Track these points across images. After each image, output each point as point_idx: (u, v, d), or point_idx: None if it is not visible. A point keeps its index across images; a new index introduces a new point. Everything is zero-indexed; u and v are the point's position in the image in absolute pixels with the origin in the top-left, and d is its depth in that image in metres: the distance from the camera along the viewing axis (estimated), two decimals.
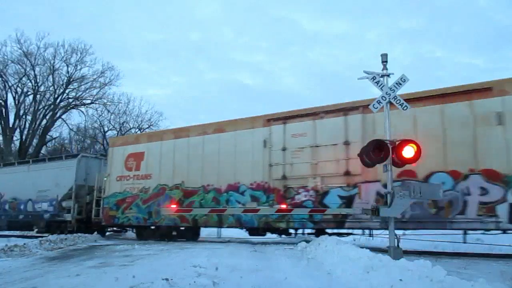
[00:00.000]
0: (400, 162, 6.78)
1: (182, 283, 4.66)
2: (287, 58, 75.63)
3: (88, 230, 14.99)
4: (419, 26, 64.63)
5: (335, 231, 10.37)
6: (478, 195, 8.34)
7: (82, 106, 31.82)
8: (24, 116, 30.63)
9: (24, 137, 30.10)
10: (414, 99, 9.02)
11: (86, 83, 31.21)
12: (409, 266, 4.96)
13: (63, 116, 31.96)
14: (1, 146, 29.92)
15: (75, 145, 35.83)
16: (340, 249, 6.93)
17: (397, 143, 6.74)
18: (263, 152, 11.07)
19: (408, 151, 6.60)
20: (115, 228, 15.39)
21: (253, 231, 11.68)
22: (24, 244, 10.11)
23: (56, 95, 30.45)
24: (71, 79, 30.65)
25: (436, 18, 64.78)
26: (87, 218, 15.01)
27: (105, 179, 14.20)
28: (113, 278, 5.36)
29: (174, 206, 12.58)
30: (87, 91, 31.45)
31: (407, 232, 10.58)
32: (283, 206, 10.63)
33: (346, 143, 9.88)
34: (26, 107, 30.59)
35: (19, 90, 30.06)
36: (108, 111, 32.43)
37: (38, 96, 30.22)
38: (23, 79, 29.76)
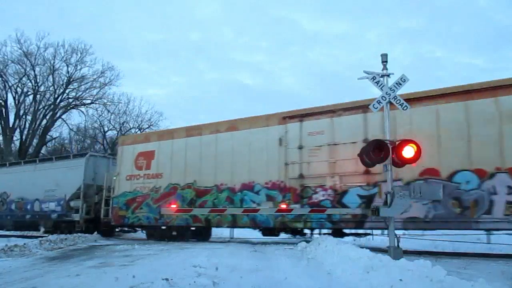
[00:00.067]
0: (400, 162, 6.78)
1: (182, 283, 4.66)
2: (287, 58, 75.69)
3: (97, 230, 14.84)
4: (419, 26, 64.68)
5: (353, 231, 10.21)
6: (505, 194, 8.10)
7: (82, 106, 31.89)
8: (24, 116, 30.69)
9: (24, 137, 30.12)
10: (436, 96, 8.97)
11: (86, 83, 31.29)
12: (409, 266, 4.96)
13: (63, 116, 32.05)
14: (1, 146, 29.92)
15: (75, 145, 35.86)
16: (340, 249, 6.93)
17: (397, 143, 6.74)
18: (279, 151, 10.87)
19: (408, 151, 6.60)
20: (125, 228, 15.16)
21: (266, 231, 11.49)
22: (24, 244, 10.10)
23: (56, 95, 30.50)
24: (71, 79, 30.69)
25: (436, 18, 64.82)
26: (95, 218, 14.82)
27: (115, 178, 14.00)
28: (113, 278, 5.36)
29: (174, 206, 12.61)
30: (87, 91, 31.53)
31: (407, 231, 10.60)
32: (283, 206, 10.64)
33: (366, 141, 9.52)
34: (26, 107, 30.67)
35: (19, 90, 30.13)
36: (108, 111, 32.49)
37: (38, 96, 30.27)
38: (23, 79, 29.82)
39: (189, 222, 12.04)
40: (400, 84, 7.07)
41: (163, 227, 12.74)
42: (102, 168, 15.51)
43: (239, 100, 65.51)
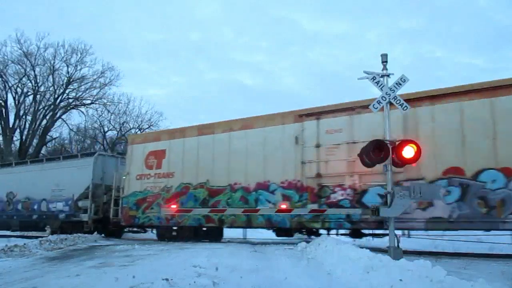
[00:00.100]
0: (400, 162, 6.78)
1: (182, 283, 4.66)
2: (287, 58, 75.67)
3: (105, 231, 14.76)
4: (419, 26, 64.64)
5: (372, 231, 10.00)
6: None
7: (82, 106, 31.85)
8: (24, 116, 30.67)
9: (24, 137, 30.11)
10: (460, 93, 8.84)
11: (86, 83, 31.24)
12: (409, 266, 4.96)
13: (63, 116, 32.01)
14: (1, 146, 29.92)
15: (75, 146, 35.84)
16: (340, 249, 6.93)
17: (397, 143, 6.75)
18: (295, 149, 10.64)
19: (408, 151, 6.61)
20: (134, 229, 14.93)
21: (281, 232, 11.24)
22: (24, 244, 10.10)
23: (56, 95, 30.47)
24: (71, 79, 30.66)
25: (436, 18, 64.80)
26: (104, 218, 14.64)
27: (124, 177, 13.78)
28: (113, 278, 5.36)
29: (174, 206, 12.58)
30: (87, 91, 31.48)
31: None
32: (283, 206, 10.62)
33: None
34: (26, 107, 30.64)
35: (19, 90, 30.10)
36: (108, 111, 32.45)
37: (38, 96, 30.25)
38: (23, 79, 29.79)
39: (202, 222, 11.84)
40: (400, 84, 7.08)
41: (174, 227, 12.56)
42: (110, 167, 15.27)
43: (239, 100, 65.51)
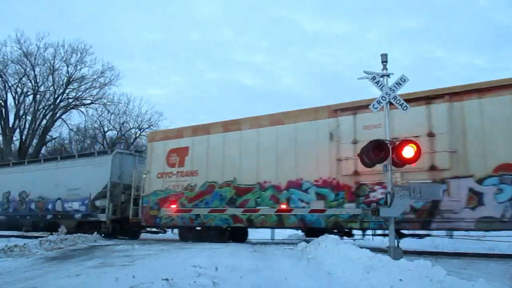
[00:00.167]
0: (400, 162, 6.79)
1: (182, 283, 4.66)
2: (287, 58, 75.74)
3: (124, 231, 14.55)
4: (419, 26, 64.70)
5: (412, 232, 9.58)
6: None
7: (82, 106, 31.88)
8: (24, 116, 30.70)
9: (24, 137, 30.12)
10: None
11: (86, 83, 31.27)
12: (409, 266, 4.96)
13: (63, 116, 32.04)
14: (1, 146, 29.93)
15: (75, 145, 35.84)
16: (340, 249, 6.93)
17: (397, 143, 6.75)
18: (329, 146, 10.14)
19: (408, 151, 6.61)
20: (153, 229, 14.47)
21: (312, 232, 10.73)
22: (24, 244, 10.10)
23: (56, 95, 30.50)
24: (71, 79, 30.69)
25: (436, 18, 64.88)
26: (122, 218, 14.30)
27: (144, 176, 13.37)
28: (113, 278, 5.36)
29: (174, 206, 12.55)
30: (87, 91, 31.52)
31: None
32: (283, 206, 10.60)
33: (430, 135, 8.97)
34: (26, 107, 30.67)
35: (19, 90, 30.14)
36: (108, 111, 32.44)
37: (38, 96, 30.28)
38: (23, 79, 29.83)
39: (229, 222, 11.40)
40: (400, 84, 7.08)
41: (198, 228, 12.20)
42: (128, 165, 14.83)
43: (239, 100, 65.57)
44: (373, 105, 7.18)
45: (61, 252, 9.71)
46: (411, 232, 9.54)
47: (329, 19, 73.78)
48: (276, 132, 11.11)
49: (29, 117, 30.47)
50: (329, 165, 10.09)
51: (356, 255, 6.12)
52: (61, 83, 30.58)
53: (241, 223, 11.28)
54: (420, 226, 9.04)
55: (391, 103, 7.16)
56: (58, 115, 31.27)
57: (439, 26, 65.75)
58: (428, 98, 9.16)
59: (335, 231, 10.46)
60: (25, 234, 17.16)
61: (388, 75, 7.20)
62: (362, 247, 6.93)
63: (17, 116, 30.04)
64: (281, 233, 14.97)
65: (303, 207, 10.21)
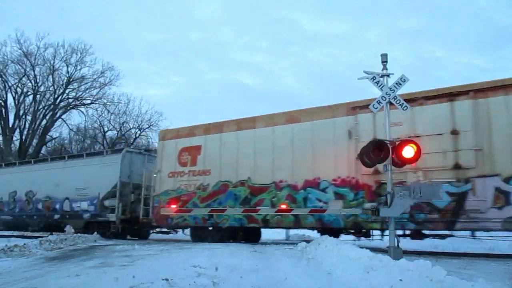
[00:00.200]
0: (400, 162, 6.79)
1: (182, 283, 4.66)
2: (287, 58, 75.83)
3: (133, 231, 14.43)
4: (419, 26, 64.79)
5: (435, 232, 9.33)
6: None
7: (82, 106, 31.89)
8: (24, 116, 30.71)
9: (24, 137, 30.13)
10: None
11: (86, 83, 31.29)
12: (409, 266, 4.96)
13: (63, 116, 32.05)
14: (1, 146, 29.93)
15: (75, 145, 35.84)
16: (340, 249, 6.93)
17: (397, 143, 6.75)
18: (348, 144, 9.88)
19: (408, 151, 6.61)
20: (164, 230, 14.29)
21: (329, 233, 10.37)
22: (24, 244, 10.10)
23: (56, 95, 30.51)
24: (71, 79, 30.70)
25: (436, 18, 64.95)
26: (131, 218, 14.15)
27: (155, 175, 13.16)
28: (113, 278, 5.36)
29: (174, 206, 12.54)
30: (87, 91, 31.54)
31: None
32: (283, 206, 10.59)
33: (454, 133, 8.74)
34: (26, 107, 30.68)
35: (19, 90, 30.15)
36: (108, 111, 32.46)
37: (38, 96, 30.29)
38: (23, 79, 29.84)
39: (243, 222, 11.19)
40: (400, 84, 7.08)
41: (210, 228, 12.03)
42: (137, 165, 14.67)
43: (239, 100, 65.69)
44: (373, 105, 7.18)
45: (61, 252, 9.71)
46: (432, 232, 9.33)
47: (329, 19, 73.87)
48: (291, 130, 10.91)
49: (29, 117, 30.54)
50: (348, 164, 9.84)
51: (356, 255, 6.12)
52: (61, 83, 30.64)
53: (256, 223, 11.08)
54: (444, 226, 8.81)
55: (391, 103, 7.14)
56: (58, 115, 31.29)
57: (439, 26, 65.85)
58: (451, 95, 8.95)
59: (352, 231, 10.29)
60: (25, 234, 17.10)
61: (388, 75, 7.20)
62: (362, 247, 6.94)
63: (17, 116, 30.05)
64: (281, 233, 14.98)
65: (321, 207, 10.04)
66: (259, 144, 11.32)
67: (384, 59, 7.29)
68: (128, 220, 14.23)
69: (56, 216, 15.95)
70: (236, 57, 74.99)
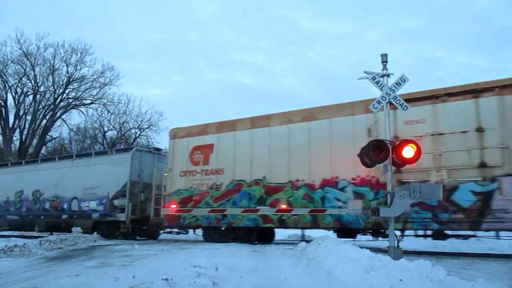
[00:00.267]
0: (400, 162, 6.79)
1: (182, 283, 4.67)
2: (287, 58, 75.83)
3: (143, 231, 14.32)
4: (419, 26, 64.82)
5: (457, 233, 9.09)
6: None
7: (82, 106, 31.84)
8: (24, 116, 30.66)
9: (24, 137, 30.10)
10: None
11: (86, 83, 31.23)
12: (409, 266, 4.97)
13: (63, 116, 32.00)
14: (1, 146, 29.92)
15: (75, 145, 35.82)
16: (340, 249, 6.93)
17: (397, 143, 6.75)
18: (368, 142, 9.91)
19: (408, 151, 6.61)
20: (175, 230, 13.99)
21: (345, 233, 10.23)
22: (24, 244, 10.11)
23: (56, 95, 30.48)
24: (71, 79, 30.67)
25: (436, 18, 64.96)
26: (141, 218, 13.96)
27: (166, 174, 12.95)
28: (113, 278, 5.36)
29: (174, 206, 12.52)
30: (87, 91, 31.48)
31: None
32: (283, 206, 10.58)
33: (479, 130, 8.50)
34: (26, 107, 30.64)
35: (19, 90, 30.11)
36: (108, 111, 32.39)
37: (38, 96, 30.26)
38: (23, 79, 29.80)
39: (258, 222, 10.93)
40: (400, 84, 7.08)
41: (222, 228, 11.80)
42: (147, 164, 14.43)
43: (239, 100, 65.70)
44: (373, 105, 7.18)
45: (61, 252, 9.71)
46: (455, 232, 9.14)
47: (329, 19, 73.88)
48: (308, 128, 10.64)
49: (29, 117, 30.49)
50: None
51: (356, 255, 6.13)
52: (61, 83, 30.60)
53: (271, 223, 10.86)
54: (469, 227, 8.58)
55: (391, 103, 7.14)
56: (58, 115, 31.27)
57: (439, 26, 65.86)
58: (475, 91, 8.72)
59: (370, 231, 10.04)
60: (25, 234, 17.02)
61: (388, 75, 7.20)
62: (362, 247, 6.94)
63: (17, 116, 30.03)
64: (282, 233, 14.95)
65: (340, 207, 9.77)
66: (274, 143, 11.11)
67: (384, 59, 7.29)
68: (138, 220, 14.06)
69: (64, 216, 15.71)
70: (236, 57, 75.09)
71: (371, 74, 7.19)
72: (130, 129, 33.71)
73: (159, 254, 8.38)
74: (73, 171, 15.74)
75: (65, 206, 15.65)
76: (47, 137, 31.86)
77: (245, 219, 11.12)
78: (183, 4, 74.43)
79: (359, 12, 73.40)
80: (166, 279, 4.74)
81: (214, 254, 7.92)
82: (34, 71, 29.73)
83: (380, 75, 7.20)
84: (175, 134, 13.33)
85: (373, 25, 73.41)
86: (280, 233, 14.71)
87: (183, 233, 14.11)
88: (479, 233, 9.00)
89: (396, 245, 6.56)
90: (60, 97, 30.70)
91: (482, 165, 8.39)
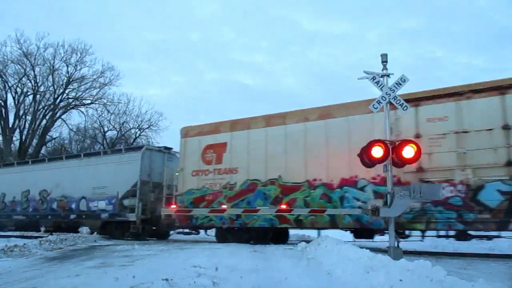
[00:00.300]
0: (400, 162, 6.79)
1: (182, 283, 4.67)
2: (287, 58, 75.89)
3: (153, 232, 14.21)
4: (419, 26, 64.87)
5: (480, 233, 8.95)
6: None
7: (82, 106, 31.84)
8: (24, 116, 30.66)
9: (24, 137, 30.10)
10: None
11: (86, 83, 31.24)
12: (409, 266, 4.97)
13: (63, 116, 32.00)
14: (1, 146, 29.92)
15: (75, 145, 35.82)
16: (340, 249, 6.93)
17: (397, 143, 6.75)
18: None
19: (408, 151, 6.61)
20: (186, 230, 13.83)
21: (362, 234, 10.04)
22: (24, 244, 10.11)
23: (56, 95, 30.48)
24: (71, 79, 30.67)
25: (436, 18, 65.01)
26: (151, 218, 13.82)
27: (178, 174, 12.74)
28: (113, 278, 5.36)
29: (173, 206, 12.49)
30: (87, 91, 31.48)
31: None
32: (283, 207, 10.57)
33: (506, 127, 8.29)
34: (26, 107, 30.64)
35: (19, 90, 30.11)
36: (108, 111, 32.38)
37: (38, 96, 30.26)
38: (23, 79, 29.80)
39: (274, 223, 10.72)
40: (400, 84, 7.08)
41: (235, 228, 11.57)
42: (157, 163, 14.26)
43: (239, 100, 65.76)
44: (373, 105, 7.18)
45: (61, 252, 9.71)
46: (479, 233, 9.01)
47: (329, 19, 73.91)
48: (325, 126, 10.41)
49: (29, 117, 30.49)
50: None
51: (356, 255, 6.13)
52: (61, 83, 30.60)
53: (288, 223, 10.63)
54: (496, 227, 8.35)
55: (391, 103, 7.15)
56: (58, 115, 31.27)
57: (439, 26, 65.91)
58: (501, 88, 8.51)
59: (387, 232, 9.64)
60: (25, 234, 16.97)
61: (388, 75, 7.21)
62: (362, 247, 6.94)
63: (17, 116, 30.02)
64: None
65: (359, 207, 9.48)
66: (290, 141, 10.92)
67: (384, 59, 7.29)
68: (148, 220, 13.92)
69: (72, 216, 15.48)
70: (236, 57, 75.14)
71: (371, 74, 7.19)
72: (130, 129, 33.74)
73: (159, 254, 8.38)
74: (82, 171, 15.55)
75: (73, 206, 15.43)
76: (47, 137, 31.87)
77: (261, 219, 10.90)
78: (183, 4, 74.51)
79: (359, 12, 73.49)
80: (166, 279, 4.74)
81: (214, 254, 7.92)
82: (34, 71, 29.77)
83: (380, 75, 7.21)
84: (186, 132, 13.08)
85: (373, 25, 73.51)
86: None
87: (194, 234, 13.86)
88: (503, 233, 8.76)
89: (396, 245, 6.56)
90: (60, 97, 30.73)
91: (509, 163, 8.20)
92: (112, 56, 67.71)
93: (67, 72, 30.49)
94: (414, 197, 6.48)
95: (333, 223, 9.94)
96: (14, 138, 30.33)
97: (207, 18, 75.86)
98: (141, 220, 13.59)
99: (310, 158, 10.45)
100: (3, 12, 44.32)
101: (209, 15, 75.24)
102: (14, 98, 30.08)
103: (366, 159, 7.03)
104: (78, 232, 15.18)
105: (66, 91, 30.92)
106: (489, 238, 9.19)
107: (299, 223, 10.47)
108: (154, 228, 14.10)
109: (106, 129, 33.54)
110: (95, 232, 14.01)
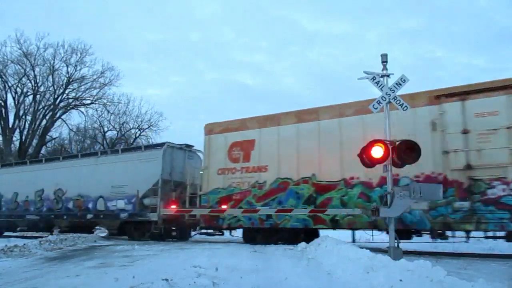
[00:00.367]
0: (400, 162, 6.78)
1: (182, 284, 4.67)
2: (287, 58, 75.85)
3: (173, 232, 13.91)
4: (419, 26, 64.86)
5: None
6: None
7: (82, 107, 31.81)
8: (24, 117, 30.63)
9: (23, 137, 30.08)
10: None
11: (86, 83, 31.21)
12: (409, 267, 4.97)
13: (63, 117, 31.96)
14: (1, 146, 29.92)
15: (75, 146, 35.81)
16: (340, 249, 6.93)
17: (397, 143, 6.74)
18: (432, 137, 8.99)
19: (408, 151, 6.60)
20: (209, 231, 13.23)
21: (400, 234, 9.63)
22: (24, 244, 10.12)
23: (56, 96, 30.46)
24: (71, 80, 30.65)
25: (436, 18, 65.01)
26: (173, 218, 13.35)
27: (202, 172, 12.38)
28: (113, 278, 5.36)
29: (174, 206, 12.48)
30: (87, 92, 31.45)
31: None
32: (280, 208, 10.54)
33: None
34: (26, 107, 30.60)
35: (19, 90, 30.07)
36: (108, 111, 32.34)
37: (38, 96, 30.23)
38: (23, 79, 29.76)
39: (307, 223, 10.31)
40: (400, 84, 7.08)
41: (261, 228, 11.16)
42: (178, 161, 13.80)
43: (239, 100, 65.72)
44: (373, 105, 7.17)
45: (61, 252, 9.71)
46: None
47: (329, 19, 73.91)
48: (362, 121, 9.90)
49: (29, 117, 30.45)
50: (433, 158, 8.91)
51: (356, 255, 6.13)
52: (61, 83, 30.57)
53: (323, 224, 10.17)
54: None
55: (391, 103, 7.14)
56: (58, 115, 31.24)
57: (439, 26, 65.91)
58: None
59: (427, 232, 9.32)
60: (25, 234, 16.88)
61: (388, 75, 7.20)
62: (362, 248, 6.94)
63: (17, 116, 30.00)
64: None
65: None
66: (324, 138, 10.48)
67: (384, 59, 7.29)
68: (170, 220, 13.49)
69: (89, 216, 14.88)
70: (236, 57, 75.09)
71: (371, 74, 7.19)
72: (130, 129, 33.71)
73: (159, 254, 8.38)
74: (99, 169, 15.00)
75: (90, 205, 14.89)
76: (47, 137, 31.84)
77: (293, 219, 10.52)
78: (183, 4, 74.51)
79: (359, 12, 73.49)
80: (166, 279, 4.74)
81: (214, 254, 7.92)
82: (34, 71, 29.74)
83: (380, 75, 7.20)
84: (210, 129, 12.61)
85: (373, 25, 73.50)
86: None
87: (218, 234, 13.43)
88: None
89: (396, 245, 6.56)
90: (60, 97, 30.70)
91: None
92: (112, 56, 67.75)
93: (67, 72, 30.50)
94: (414, 197, 6.47)
95: (373, 224, 9.46)
96: (14, 138, 30.33)
97: (207, 18, 75.94)
98: (163, 220, 13.16)
99: (347, 156, 9.79)
100: (3, 12, 44.36)
101: (209, 15, 75.33)
102: (14, 98, 30.09)
103: (366, 159, 7.02)
104: (92, 233, 14.78)
105: (66, 91, 30.94)
106: None
107: (335, 224, 10.02)
108: (173, 228, 13.82)
109: (106, 129, 33.53)
110: (95, 233, 13.80)
